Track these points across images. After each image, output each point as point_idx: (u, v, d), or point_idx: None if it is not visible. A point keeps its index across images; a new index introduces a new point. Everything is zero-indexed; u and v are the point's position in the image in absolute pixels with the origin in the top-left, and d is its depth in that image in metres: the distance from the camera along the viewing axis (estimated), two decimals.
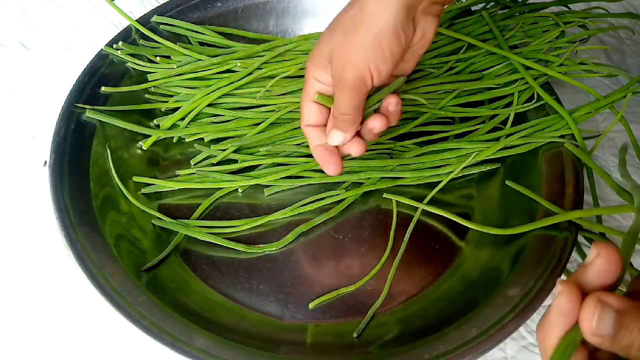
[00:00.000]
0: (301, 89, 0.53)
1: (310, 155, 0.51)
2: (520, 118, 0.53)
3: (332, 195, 0.49)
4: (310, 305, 0.43)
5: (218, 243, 0.46)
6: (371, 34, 0.37)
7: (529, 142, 0.50)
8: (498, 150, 0.50)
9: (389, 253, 0.46)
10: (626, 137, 0.53)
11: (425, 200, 0.48)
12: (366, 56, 0.37)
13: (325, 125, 0.43)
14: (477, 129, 0.52)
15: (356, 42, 0.37)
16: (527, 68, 0.53)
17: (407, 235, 0.47)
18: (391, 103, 0.41)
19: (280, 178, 0.49)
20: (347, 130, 0.41)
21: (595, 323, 0.24)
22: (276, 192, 0.49)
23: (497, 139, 0.51)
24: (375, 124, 0.41)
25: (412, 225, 0.48)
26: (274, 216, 0.47)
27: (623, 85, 0.54)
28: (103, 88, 0.51)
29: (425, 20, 0.39)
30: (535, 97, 0.53)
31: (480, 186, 0.51)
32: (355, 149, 0.42)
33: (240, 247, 0.46)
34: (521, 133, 0.51)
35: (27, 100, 0.56)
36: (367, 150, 0.51)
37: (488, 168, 0.50)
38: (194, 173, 0.49)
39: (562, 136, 0.50)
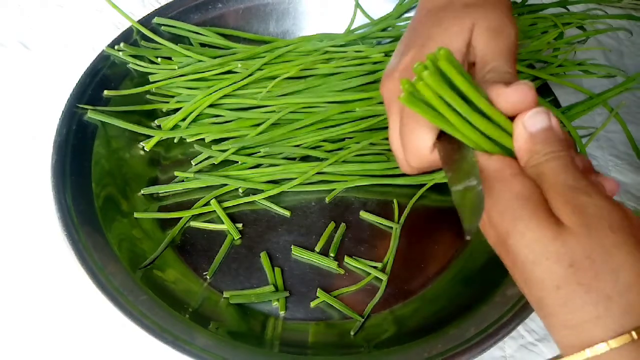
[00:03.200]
0: (301, 89, 0.53)
1: (309, 156, 0.51)
2: None
3: (332, 194, 0.49)
4: (311, 305, 0.44)
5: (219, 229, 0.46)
6: None
7: None
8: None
9: (389, 253, 0.47)
10: (624, 137, 0.53)
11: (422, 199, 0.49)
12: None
13: None
14: None
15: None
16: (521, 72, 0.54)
17: (398, 235, 0.47)
18: None
19: (271, 181, 0.49)
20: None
21: (530, 117, 0.28)
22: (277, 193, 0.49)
23: None
24: None
25: (405, 214, 0.48)
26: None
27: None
28: (105, 92, 0.51)
29: None
30: None
31: None
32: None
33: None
34: None
35: (28, 101, 0.56)
36: (366, 153, 0.51)
37: None
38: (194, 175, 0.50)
39: None
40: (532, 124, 0.28)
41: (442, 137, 0.32)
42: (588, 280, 0.25)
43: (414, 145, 0.32)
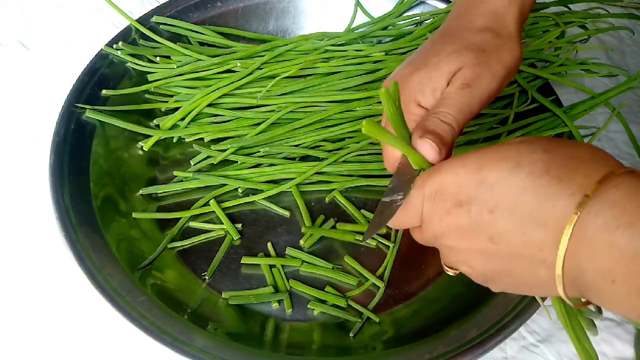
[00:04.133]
0: (301, 88, 0.53)
1: (308, 156, 0.51)
2: (522, 118, 0.53)
3: (331, 194, 0.49)
4: (311, 306, 0.43)
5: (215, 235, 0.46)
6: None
7: None
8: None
9: (390, 253, 0.46)
10: (626, 136, 0.53)
11: None
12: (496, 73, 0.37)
13: None
14: (474, 129, 0.52)
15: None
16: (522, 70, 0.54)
17: (400, 236, 0.47)
18: None
19: (270, 181, 0.49)
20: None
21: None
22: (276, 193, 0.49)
23: (498, 137, 0.51)
24: None
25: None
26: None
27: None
28: (104, 91, 0.51)
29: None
30: (530, 98, 0.53)
31: None
32: None
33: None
34: (521, 132, 0.51)
35: (27, 100, 0.55)
36: (365, 154, 0.51)
37: None
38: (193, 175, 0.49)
39: (561, 134, 0.50)
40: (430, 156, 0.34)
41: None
42: (565, 153, 0.27)
43: (388, 153, 0.37)
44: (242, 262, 0.45)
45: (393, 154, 0.36)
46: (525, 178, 0.27)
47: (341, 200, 0.49)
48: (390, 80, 0.39)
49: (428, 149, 0.33)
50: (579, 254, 0.26)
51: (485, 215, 0.29)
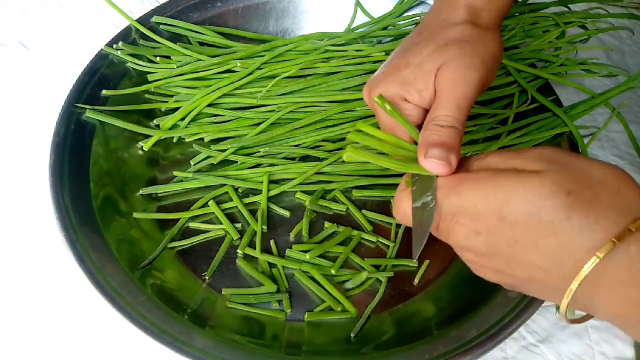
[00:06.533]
0: (301, 88, 0.53)
1: (308, 156, 0.51)
2: (522, 118, 0.53)
3: (331, 194, 0.49)
4: (315, 315, 0.43)
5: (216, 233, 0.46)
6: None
7: (528, 141, 0.50)
8: (497, 149, 0.50)
9: (389, 253, 0.46)
10: (626, 136, 0.53)
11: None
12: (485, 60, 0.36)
13: None
14: (475, 129, 0.52)
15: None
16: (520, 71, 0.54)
17: (400, 236, 0.47)
18: None
19: (271, 181, 0.49)
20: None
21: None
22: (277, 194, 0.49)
23: (498, 137, 0.51)
24: None
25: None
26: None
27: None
28: (104, 91, 0.51)
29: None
30: (530, 98, 0.53)
31: None
32: None
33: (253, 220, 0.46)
34: (521, 131, 0.51)
35: (27, 100, 0.55)
36: None
37: None
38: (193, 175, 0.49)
39: (561, 134, 0.50)
40: (440, 170, 0.32)
41: None
42: (588, 196, 0.27)
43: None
44: (244, 251, 0.45)
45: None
46: (548, 224, 0.27)
47: (342, 200, 0.49)
48: (371, 82, 0.38)
49: (435, 167, 0.32)
50: (593, 296, 0.27)
51: (503, 247, 0.29)
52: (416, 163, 0.33)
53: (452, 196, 0.30)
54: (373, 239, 0.47)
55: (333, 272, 0.44)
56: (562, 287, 0.28)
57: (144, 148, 0.51)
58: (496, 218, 0.28)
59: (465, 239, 0.30)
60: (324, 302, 0.44)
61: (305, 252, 0.45)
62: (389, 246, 0.47)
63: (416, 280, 0.45)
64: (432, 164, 0.32)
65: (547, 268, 0.28)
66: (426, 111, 0.36)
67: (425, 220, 0.31)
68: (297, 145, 0.51)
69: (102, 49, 0.53)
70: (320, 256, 0.45)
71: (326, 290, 0.44)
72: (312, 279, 0.45)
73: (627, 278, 0.26)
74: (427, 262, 0.46)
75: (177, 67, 0.54)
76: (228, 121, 0.52)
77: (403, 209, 0.33)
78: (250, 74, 0.53)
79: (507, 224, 0.28)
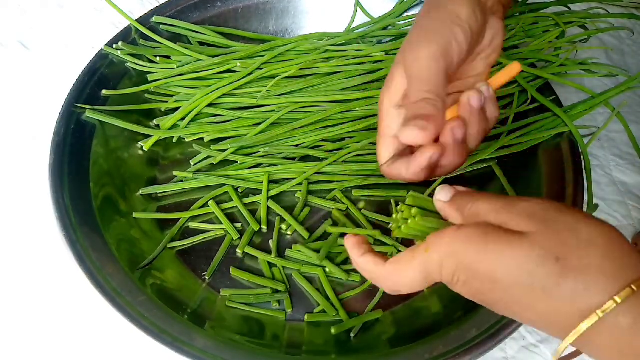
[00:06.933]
0: (301, 88, 0.53)
1: (308, 156, 0.51)
2: (522, 118, 0.53)
3: (331, 194, 0.49)
4: (308, 318, 0.43)
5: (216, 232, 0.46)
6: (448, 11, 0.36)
7: (528, 141, 0.50)
8: (497, 149, 0.50)
9: (390, 254, 0.46)
10: (626, 136, 0.53)
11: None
12: (443, 30, 0.35)
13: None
14: None
15: (433, 24, 0.36)
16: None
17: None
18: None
19: (271, 181, 0.49)
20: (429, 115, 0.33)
21: (439, 192, 0.33)
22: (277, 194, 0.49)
23: (498, 137, 0.51)
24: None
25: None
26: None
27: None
28: (104, 91, 0.51)
29: (493, 20, 0.38)
30: (530, 98, 0.53)
31: (481, 187, 0.50)
32: (450, 159, 0.35)
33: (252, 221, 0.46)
34: (521, 131, 0.51)
35: (27, 100, 0.55)
36: (365, 153, 0.51)
37: (484, 166, 0.50)
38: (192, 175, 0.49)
39: (561, 134, 0.50)
40: (445, 196, 0.32)
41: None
42: (577, 262, 0.27)
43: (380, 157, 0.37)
44: (245, 251, 0.45)
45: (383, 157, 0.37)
46: (540, 290, 0.27)
47: (342, 200, 0.49)
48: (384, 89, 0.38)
49: (412, 132, 0.32)
50: (585, 349, 0.28)
51: (501, 306, 0.29)
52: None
53: (448, 258, 0.30)
54: (372, 238, 0.47)
55: (344, 278, 0.45)
56: (559, 337, 0.28)
57: (144, 148, 0.51)
58: (490, 281, 0.28)
59: (457, 284, 0.30)
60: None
61: (307, 250, 0.45)
62: (388, 246, 0.47)
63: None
64: (410, 130, 0.32)
65: (544, 325, 0.29)
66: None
67: None
68: (297, 145, 0.51)
69: (102, 49, 0.53)
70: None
71: (322, 295, 0.44)
72: (312, 280, 0.45)
73: (616, 346, 0.26)
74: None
75: (177, 67, 0.54)
76: (228, 121, 0.52)
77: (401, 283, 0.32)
78: (250, 74, 0.53)
79: (501, 288, 0.28)
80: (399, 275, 0.31)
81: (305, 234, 0.47)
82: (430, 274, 0.30)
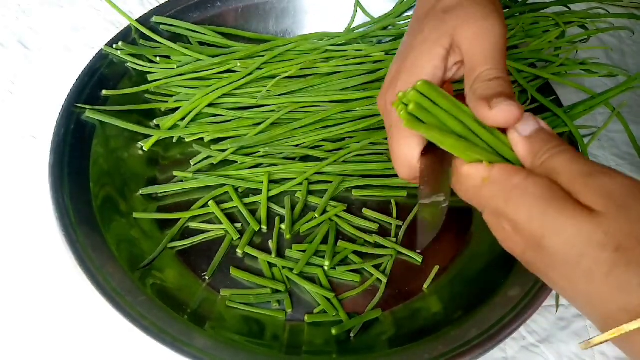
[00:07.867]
0: (301, 88, 0.53)
1: (308, 156, 0.51)
2: None
3: (330, 192, 0.49)
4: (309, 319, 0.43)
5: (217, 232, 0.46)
6: None
7: None
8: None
9: (389, 254, 0.46)
10: (626, 136, 0.53)
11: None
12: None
13: None
14: None
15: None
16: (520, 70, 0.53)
17: (400, 235, 0.47)
18: None
19: (271, 181, 0.49)
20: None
21: (522, 123, 0.29)
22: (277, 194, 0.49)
23: None
24: None
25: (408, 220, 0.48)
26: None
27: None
28: (104, 91, 0.51)
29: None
30: (530, 98, 0.53)
31: None
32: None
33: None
34: None
35: (27, 100, 0.55)
36: (365, 153, 0.51)
37: None
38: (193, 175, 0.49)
39: (561, 134, 0.50)
40: (524, 129, 0.29)
41: (426, 152, 0.33)
42: (637, 258, 0.25)
43: (403, 155, 0.34)
44: (245, 251, 0.45)
45: (407, 157, 0.33)
46: (585, 271, 0.26)
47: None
48: (383, 88, 0.36)
49: (506, 113, 0.29)
50: (622, 346, 0.26)
51: (539, 264, 0.28)
52: (479, 147, 0.29)
53: (499, 200, 0.28)
54: (372, 239, 0.47)
55: (343, 278, 0.45)
56: (595, 323, 0.27)
57: (144, 148, 0.51)
58: (536, 243, 0.27)
59: (504, 240, 0.29)
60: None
61: (302, 251, 0.45)
62: (388, 246, 0.47)
63: (425, 286, 0.45)
64: (502, 111, 0.29)
65: (581, 305, 0.27)
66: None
67: (435, 217, 0.30)
68: (297, 145, 0.51)
69: (102, 49, 0.53)
70: (320, 256, 0.45)
71: (322, 295, 0.44)
72: (311, 280, 0.45)
73: None
74: (437, 267, 0.45)
75: (177, 67, 0.54)
76: (228, 121, 0.52)
77: (407, 157, 0.30)
78: (250, 74, 0.53)
79: (545, 252, 0.27)
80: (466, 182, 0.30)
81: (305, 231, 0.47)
82: (479, 201, 0.29)
